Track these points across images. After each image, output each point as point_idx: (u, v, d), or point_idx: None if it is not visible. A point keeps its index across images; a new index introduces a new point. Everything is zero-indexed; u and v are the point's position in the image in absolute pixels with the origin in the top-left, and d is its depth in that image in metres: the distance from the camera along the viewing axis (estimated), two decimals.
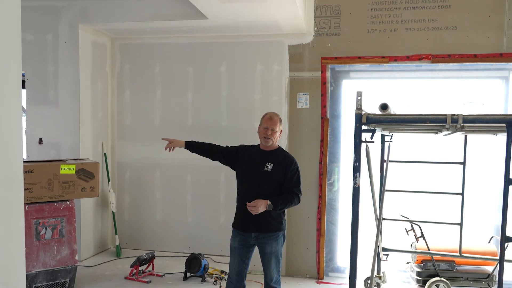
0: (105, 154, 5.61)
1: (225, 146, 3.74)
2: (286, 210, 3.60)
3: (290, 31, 5.01)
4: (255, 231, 3.44)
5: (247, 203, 3.31)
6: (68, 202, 4.27)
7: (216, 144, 3.75)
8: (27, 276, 3.99)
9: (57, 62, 5.15)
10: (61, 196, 4.23)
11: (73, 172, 4.29)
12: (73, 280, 4.32)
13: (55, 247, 4.18)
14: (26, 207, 4.03)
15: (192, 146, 3.74)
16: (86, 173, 4.37)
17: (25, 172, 4.01)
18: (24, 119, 5.38)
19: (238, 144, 3.75)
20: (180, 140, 3.72)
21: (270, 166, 3.45)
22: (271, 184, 3.44)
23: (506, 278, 3.33)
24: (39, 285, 4.09)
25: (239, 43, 5.29)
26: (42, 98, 5.21)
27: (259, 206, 3.26)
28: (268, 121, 3.48)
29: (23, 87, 5.24)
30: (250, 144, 3.73)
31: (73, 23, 5.07)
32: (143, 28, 5.21)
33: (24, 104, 5.36)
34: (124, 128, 5.75)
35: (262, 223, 3.42)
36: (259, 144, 3.62)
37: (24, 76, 5.25)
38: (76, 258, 4.34)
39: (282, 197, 3.39)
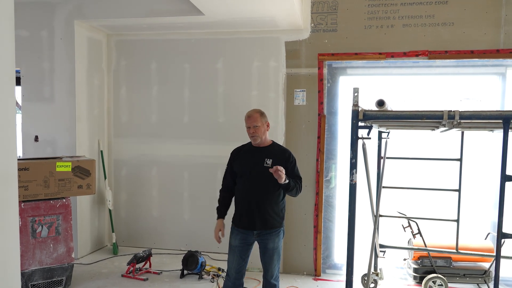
0: (101, 151, 5.59)
1: (225, 172, 3.74)
2: (286, 206, 3.64)
3: (286, 27, 4.99)
4: (261, 228, 3.46)
5: (276, 167, 3.29)
6: (64, 200, 4.25)
7: (223, 185, 3.76)
8: (24, 274, 3.97)
9: (53, 58, 5.12)
10: (57, 194, 4.20)
11: (69, 169, 4.26)
12: (69, 278, 4.31)
13: (51, 245, 4.16)
14: (22, 204, 4.01)
15: (225, 210, 3.72)
16: (82, 170, 4.35)
17: (20, 169, 3.98)
18: (19, 116, 5.35)
19: (234, 143, 3.87)
20: (218, 223, 3.67)
21: (269, 162, 3.47)
22: (273, 179, 3.45)
23: (502, 274, 3.34)
24: (35, 283, 4.07)
25: (235, 39, 5.27)
26: (38, 95, 5.17)
27: (283, 172, 3.29)
28: (248, 120, 3.52)
29: (19, 84, 5.21)
30: (240, 145, 3.76)
31: (68, 19, 5.04)
32: (139, 24, 5.18)
33: (19, 101, 5.33)
34: (121, 125, 5.73)
35: (268, 219, 3.47)
36: (251, 142, 3.62)
37: (19, 73, 5.21)
38: (73, 256, 4.32)
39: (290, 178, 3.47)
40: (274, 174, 3.27)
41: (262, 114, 3.54)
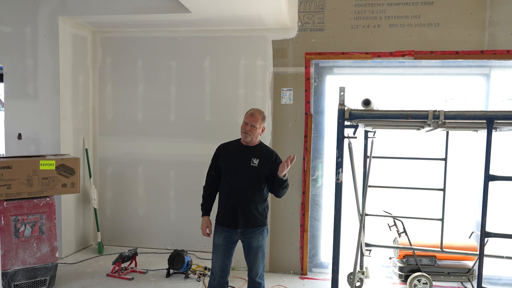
0: (86, 149, 5.53)
1: (210, 168, 3.72)
2: (270, 205, 3.64)
3: (274, 26, 4.98)
4: (244, 226, 3.47)
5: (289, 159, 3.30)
6: (48, 199, 4.19)
7: (207, 181, 3.75)
8: (6, 274, 3.91)
9: (37, 55, 5.04)
10: (41, 193, 4.14)
11: (53, 168, 4.21)
12: (53, 277, 4.25)
13: (34, 245, 4.10)
14: (5, 203, 3.94)
15: (210, 206, 3.71)
16: (66, 169, 4.29)
17: (3, 168, 3.93)
18: (2, 113, 5.26)
19: (220, 142, 3.79)
20: (204, 220, 3.66)
21: (256, 161, 3.49)
22: (260, 178, 3.49)
23: (485, 272, 3.38)
24: (18, 283, 4.01)
25: (222, 38, 5.25)
26: (21, 92, 5.09)
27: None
28: (249, 117, 3.51)
29: (1, 80, 5.13)
30: (228, 141, 3.74)
31: (52, 15, 4.96)
32: (125, 21, 5.12)
33: (2, 98, 5.24)
34: (106, 123, 5.67)
35: (251, 218, 3.48)
36: (239, 139, 3.62)
37: (2, 69, 5.13)
38: (57, 255, 4.27)
39: None
40: (283, 164, 3.30)
41: (264, 118, 3.55)
